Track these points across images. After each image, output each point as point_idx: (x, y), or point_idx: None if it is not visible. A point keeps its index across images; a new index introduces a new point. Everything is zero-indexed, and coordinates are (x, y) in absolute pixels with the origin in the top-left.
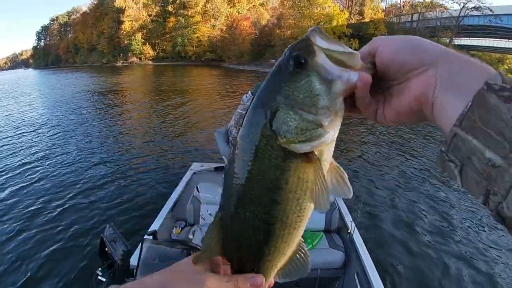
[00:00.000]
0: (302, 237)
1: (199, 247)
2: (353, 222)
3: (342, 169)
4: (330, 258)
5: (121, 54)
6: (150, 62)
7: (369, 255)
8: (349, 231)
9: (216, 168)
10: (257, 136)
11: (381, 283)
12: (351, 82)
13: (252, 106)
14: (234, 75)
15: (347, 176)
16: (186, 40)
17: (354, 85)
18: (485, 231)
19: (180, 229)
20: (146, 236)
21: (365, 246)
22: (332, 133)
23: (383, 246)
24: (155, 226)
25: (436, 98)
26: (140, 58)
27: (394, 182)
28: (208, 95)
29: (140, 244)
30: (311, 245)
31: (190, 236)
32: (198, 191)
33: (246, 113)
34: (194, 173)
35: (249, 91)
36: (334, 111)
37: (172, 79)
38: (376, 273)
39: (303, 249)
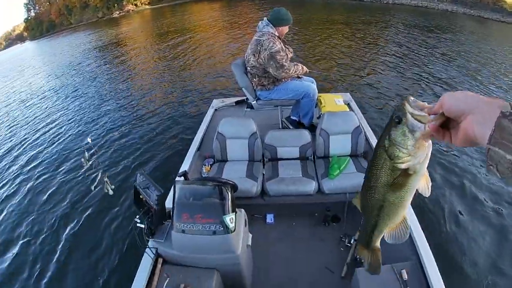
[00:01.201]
0: (329, 161)
1: (229, 182)
2: None
3: (429, 179)
4: (358, 182)
5: (116, 5)
6: (148, 7)
7: None
8: None
9: (237, 102)
10: (382, 158)
11: (411, 207)
12: (424, 130)
13: (378, 143)
14: (237, 4)
15: (431, 183)
16: None
17: (428, 131)
18: None
19: (209, 166)
20: (177, 178)
21: None
22: (417, 159)
23: None
24: (184, 166)
25: (476, 131)
26: (136, 5)
27: None
28: (215, 29)
29: (173, 186)
30: (338, 170)
31: (220, 172)
32: (222, 127)
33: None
34: (216, 110)
35: (265, 18)
36: (417, 146)
37: (173, 19)
38: None
39: (405, 224)
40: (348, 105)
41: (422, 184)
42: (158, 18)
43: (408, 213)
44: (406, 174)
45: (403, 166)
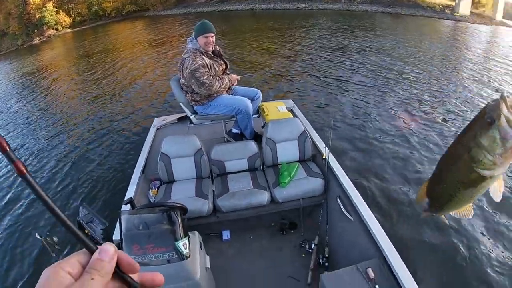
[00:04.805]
0: (278, 169)
1: (177, 205)
2: (326, 148)
3: (503, 184)
4: (310, 187)
5: (36, 30)
6: (69, 30)
7: (347, 178)
8: (324, 157)
9: (179, 119)
10: (462, 157)
11: (364, 202)
12: None
13: (460, 137)
14: (162, 22)
15: (503, 188)
16: None
17: None
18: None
19: (156, 189)
20: (123, 207)
21: (342, 168)
22: (502, 169)
23: (359, 167)
24: (130, 193)
25: None
26: (57, 29)
27: (363, 106)
28: (142, 48)
29: (118, 217)
30: (289, 177)
31: (168, 194)
32: (165, 146)
33: None
34: (158, 128)
35: (192, 36)
36: (505, 157)
37: (97, 41)
38: (358, 193)
39: (470, 209)
40: (291, 111)
41: (495, 186)
42: (81, 41)
43: (365, 209)
44: (484, 179)
45: (484, 173)
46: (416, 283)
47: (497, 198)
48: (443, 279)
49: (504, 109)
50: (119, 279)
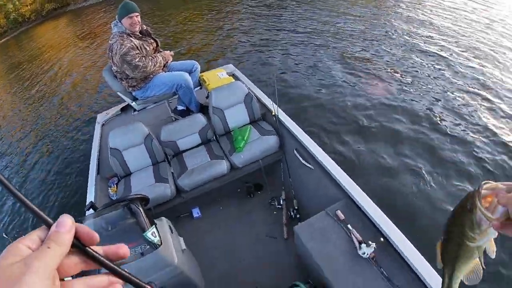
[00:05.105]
0: (231, 136)
1: (136, 196)
2: (274, 104)
3: (494, 245)
4: (265, 145)
5: None
6: None
7: (300, 129)
8: (273, 114)
9: (122, 109)
10: (453, 227)
11: (320, 149)
12: (489, 225)
13: (454, 213)
14: (85, 13)
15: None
16: (17, 2)
17: (492, 226)
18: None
19: (115, 186)
20: (87, 212)
21: (293, 121)
22: (482, 242)
23: (310, 117)
24: (90, 197)
25: None
26: None
27: (304, 60)
28: (69, 46)
29: (85, 224)
30: (243, 141)
31: (128, 188)
32: (112, 141)
33: None
34: (103, 124)
35: (115, 19)
36: (482, 234)
37: (22, 50)
38: (313, 142)
39: (479, 269)
40: (234, 75)
41: (489, 247)
42: (5, 53)
43: (323, 156)
44: (474, 245)
45: (469, 244)
46: (384, 213)
47: (492, 254)
48: (405, 203)
49: (477, 202)
50: (82, 253)
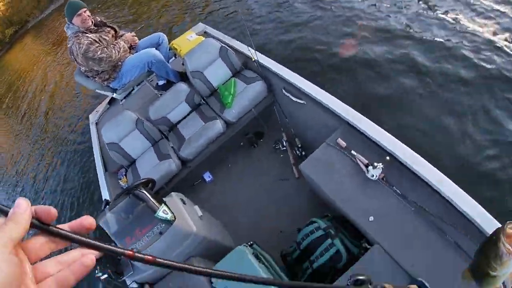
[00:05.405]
0: (219, 94)
1: (140, 181)
2: (249, 49)
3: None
4: (253, 93)
5: None
6: None
7: (283, 66)
8: (253, 60)
9: (109, 102)
10: (480, 257)
11: (307, 81)
12: (510, 259)
13: (483, 245)
14: (46, 25)
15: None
16: None
17: None
18: None
19: (124, 176)
20: (105, 210)
21: (274, 61)
22: (502, 272)
23: (291, 53)
24: (104, 195)
25: None
26: None
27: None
28: (42, 61)
29: (101, 222)
30: (231, 96)
31: (136, 175)
32: (105, 136)
33: None
34: (96, 123)
35: (67, 23)
36: (502, 265)
37: None
38: (299, 76)
39: None
40: (206, 33)
41: (507, 279)
42: None
43: (311, 87)
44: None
45: (491, 273)
46: (382, 128)
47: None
48: (403, 119)
49: (502, 238)
50: (47, 232)
